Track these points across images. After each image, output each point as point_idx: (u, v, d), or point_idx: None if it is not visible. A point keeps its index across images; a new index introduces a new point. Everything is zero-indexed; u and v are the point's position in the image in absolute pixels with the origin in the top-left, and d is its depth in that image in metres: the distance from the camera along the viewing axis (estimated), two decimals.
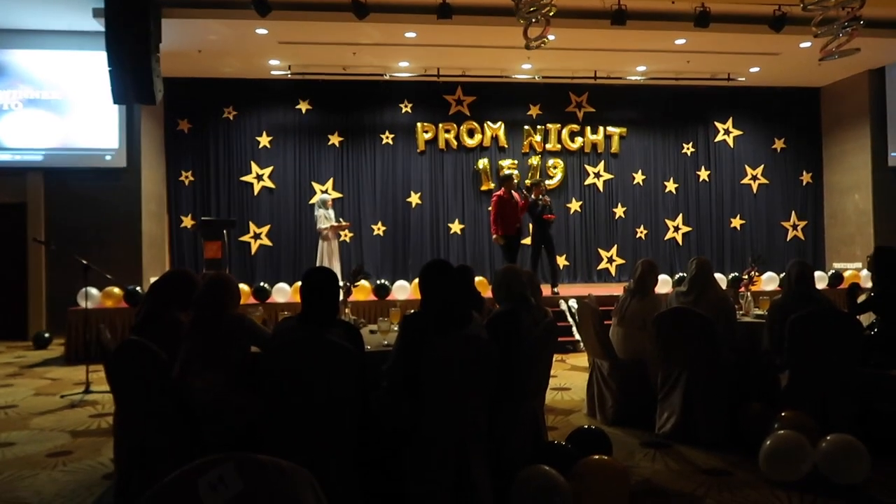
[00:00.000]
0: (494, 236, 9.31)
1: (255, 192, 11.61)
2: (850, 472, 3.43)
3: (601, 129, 12.31)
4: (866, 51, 9.72)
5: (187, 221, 11.41)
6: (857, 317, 4.66)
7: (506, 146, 12.14)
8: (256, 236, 11.54)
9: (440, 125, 11.98)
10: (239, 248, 11.42)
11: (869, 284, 6.33)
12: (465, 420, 3.00)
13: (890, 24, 9.60)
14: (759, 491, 3.50)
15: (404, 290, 9.11)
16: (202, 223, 9.85)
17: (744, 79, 11.79)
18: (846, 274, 9.87)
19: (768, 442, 3.59)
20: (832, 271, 10.17)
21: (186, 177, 11.42)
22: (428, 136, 11.95)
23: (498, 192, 9.42)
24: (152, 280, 5.50)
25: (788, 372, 4.32)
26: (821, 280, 9.45)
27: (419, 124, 11.93)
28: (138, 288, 8.63)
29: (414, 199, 11.92)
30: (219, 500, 1.29)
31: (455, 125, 12.02)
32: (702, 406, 4.38)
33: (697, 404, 4.39)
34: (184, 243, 11.45)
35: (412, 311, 3.46)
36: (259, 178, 11.60)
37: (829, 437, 3.55)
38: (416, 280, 9.78)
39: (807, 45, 9.71)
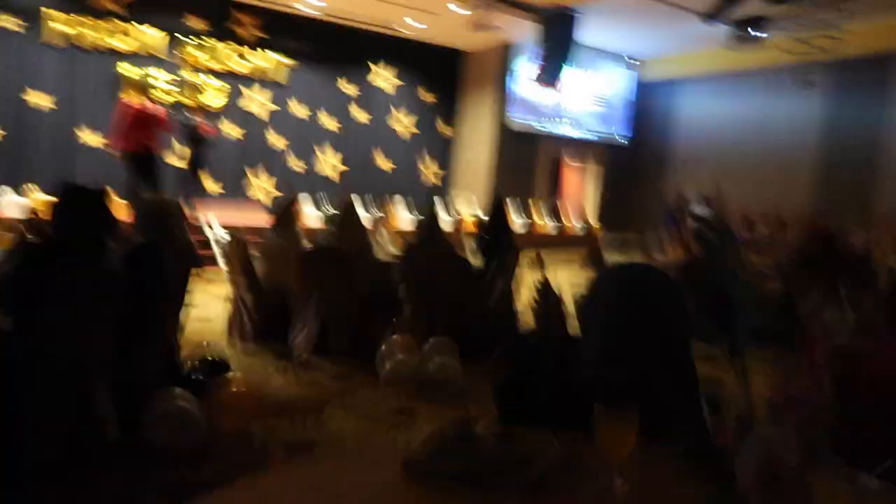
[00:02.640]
0: (111, 148, 8.26)
1: None
2: (449, 371, 4.19)
3: (269, 55, 11.99)
4: (503, 27, 11.24)
5: None
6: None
7: (163, 58, 11.01)
8: None
9: (80, 19, 10.29)
10: None
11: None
12: (88, 350, 2.81)
13: (526, 7, 11.15)
14: (375, 391, 4.07)
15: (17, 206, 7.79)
16: None
17: (406, 31, 12.61)
18: (468, 218, 11.45)
19: (383, 348, 4.18)
20: (458, 216, 11.73)
21: None
22: (60, 28, 10.17)
23: (129, 100, 8.18)
24: None
25: (410, 303, 4.96)
26: (448, 223, 10.83)
27: (45, 10, 10.07)
28: None
29: (39, 100, 10.13)
30: None
31: (102, 23, 10.45)
32: (333, 325, 4.77)
33: (330, 324, 4.78)
34: None
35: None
36: None
37: (430, 340, 4.32)
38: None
39: (455, 8, 10.73)
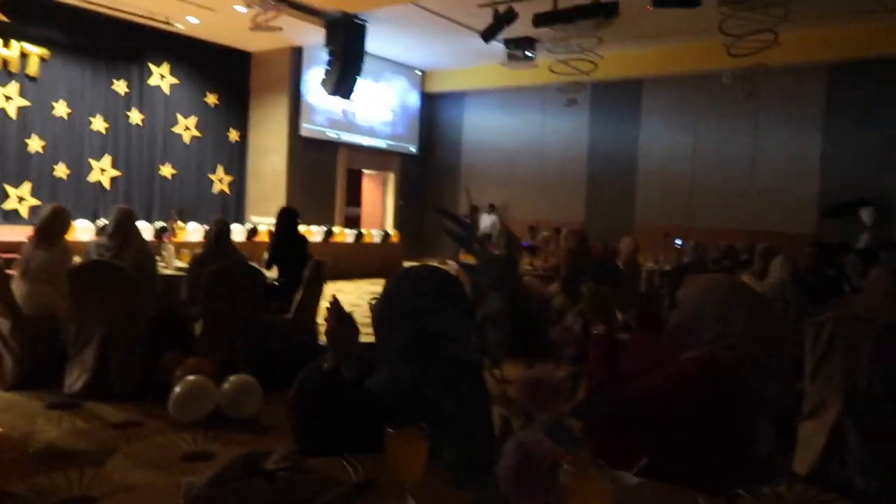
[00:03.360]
0: None
1: None
2: (245, 406, 3.96)
3: (16, 44, 10.48)
4: (288, 30, 11.04)
5: None
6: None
7: None
8: None
9: None
10: None
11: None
12: None
13: (308, 10, 11.04)
14: (166, 435, 3.71)
15: None
16: None
17: (182, 27, 11.82)
18: (261, 228, 11.07)
19: (177, 388, 3.84)
20: (250, 225, 11.28)
21: None
22: None
23: None
24: None
25: (202, 321, 4.67)
26: (240, 233, 10.37)
27: None
28: None
29: None
30: None
31: None
32: (117, 360, 4.34)
33: (112, 359, 4.33)
34: None
35: None
36: None
37: (230, 379, 4.01)
38: None
39: (241, 9, 10.33)
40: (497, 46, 11.16)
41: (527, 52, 11.68)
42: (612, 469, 1.12)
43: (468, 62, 14.21)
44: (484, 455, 1.00)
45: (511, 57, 11.90)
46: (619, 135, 13.35)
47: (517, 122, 14.79)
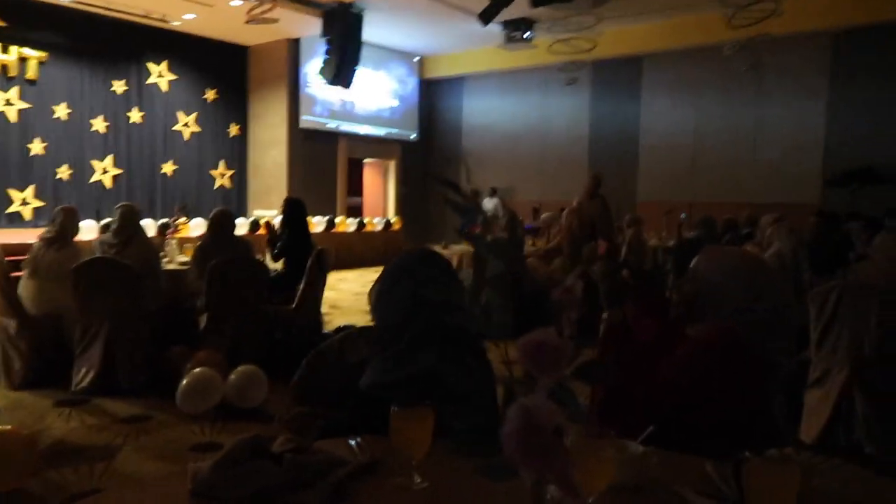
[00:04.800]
0: None
1: None
2: (252, 397, 3.97)
3: (14, 48, 10.48)
4: (284, 21, 10.98)
5: None
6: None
7: None
8: None
9: None
10: None
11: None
12: None
13: (304, 1, 10.97)
14: (174, 428, 3.73)
15: None
16: None
17: (178, 23, 11.77)
18: (262, 221, 11.04)
19: (184, 381, 3.84)
20: (252, 218, 11.28)
21: None
22: None
23: None
24: None
25: (207, 313, 4.67)
26: (243, 226, 10.37)
27: None
28: None
29: None
30: None
31: None
32: (123, 356, 4.35)
33: (119, 355, 4.34)
34: None
35: None
36: None
37: (237, 370, 4.02)
38: None
39: (237, 2, 10.29)
40: (495, 29, 11.07)
41: (525, 34, 11.59)
42: (618, 436, 1.11)
43: (466, 46, 14.12)
44: (490, 423, 0.99)
45: (509, 39, 11.82)
46: (620, 112, 13.24)
47: (518, 104, 14.70)
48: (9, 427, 3.04)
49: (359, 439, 1.35)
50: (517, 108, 14.72)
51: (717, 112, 12.11)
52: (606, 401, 1.77)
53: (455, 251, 7.28)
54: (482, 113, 15.31)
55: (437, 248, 7.84)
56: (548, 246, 6.54)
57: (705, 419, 1.67)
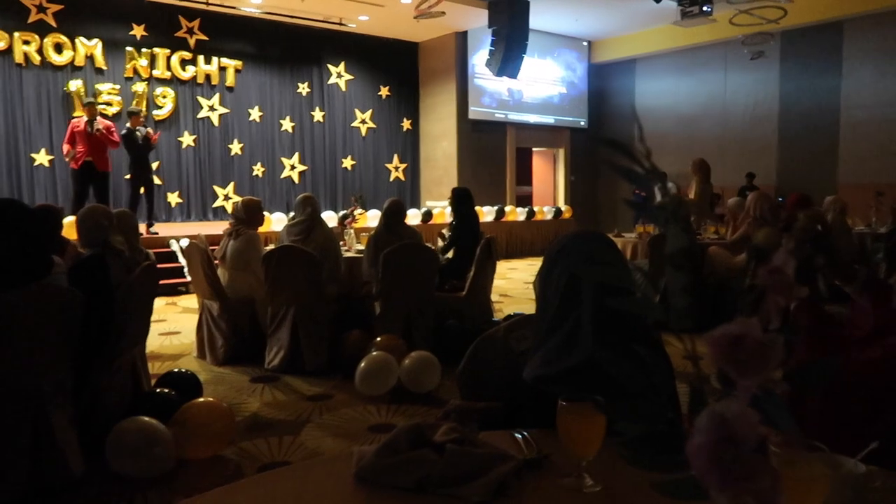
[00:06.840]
0: (74, 164, 8.32)
1: None
2: (425, 382, 4.06)
3: (215, 59, 11.73)
4: (451, 15, 11.16)
5: None
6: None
7: (104, 68, 10.71)
8: None
9: (15, 34, 9.95)
10: None
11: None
12: (43, 376, 2.68)
13: None
14: (354, 408, 3.92)
15: None
16: None
17: (354, 25, 12.44)
18: (435, 211, 11.38)
19: (362, 364, 4.02)
20: (425, 209, 11.64)
21: None
22: None
23: (78, 118, 8.57)
24: None
25: (381, 300, 4.86)
26: (416, 217, 10.74)
27: None
28: None
29: None
30: None
31: (37, 36, 10.12)
32: (306, 338, 4.65)
33: (304, 338, 4.65)
34: None
35: None
36: None
37: (411, 355, 4.13)
38: None
39: (407, 0, 10.65)
40: (669, 5, 10.42)
41: (703, 7, 10.78)
42: (831, 453, 0.91)
43: (638, 26, 13.48)
44: (667, 430, 0.85)
45: (685, 14, 11.03)
46: (816, 86, 11.90)
47: (695, 84, 13.76)
48: (211, 399, 3.36)
49: (525, 432, 1.28)
50: (694, 88, 13.78)
51: None
52: (819, 409, 1.53)
53: (629, 239, 6.95)
54: (656, 95, 14.53)
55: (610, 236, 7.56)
56: (733, 238, 5.99)
57: None
